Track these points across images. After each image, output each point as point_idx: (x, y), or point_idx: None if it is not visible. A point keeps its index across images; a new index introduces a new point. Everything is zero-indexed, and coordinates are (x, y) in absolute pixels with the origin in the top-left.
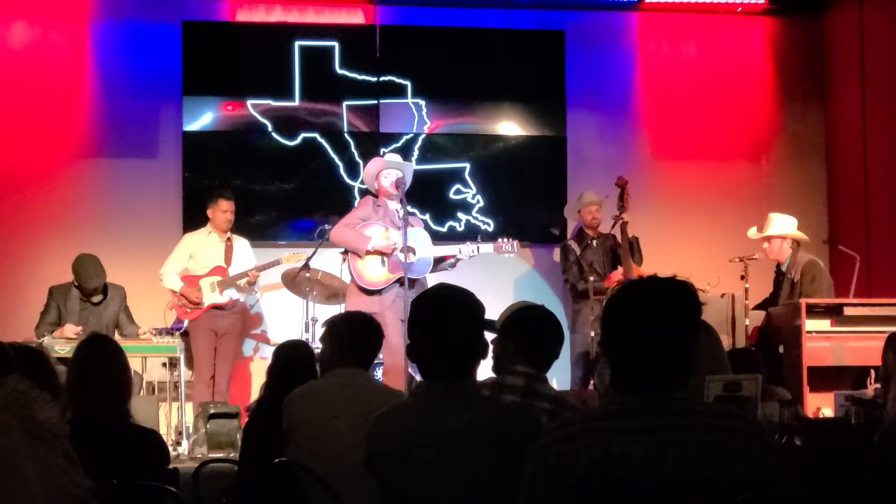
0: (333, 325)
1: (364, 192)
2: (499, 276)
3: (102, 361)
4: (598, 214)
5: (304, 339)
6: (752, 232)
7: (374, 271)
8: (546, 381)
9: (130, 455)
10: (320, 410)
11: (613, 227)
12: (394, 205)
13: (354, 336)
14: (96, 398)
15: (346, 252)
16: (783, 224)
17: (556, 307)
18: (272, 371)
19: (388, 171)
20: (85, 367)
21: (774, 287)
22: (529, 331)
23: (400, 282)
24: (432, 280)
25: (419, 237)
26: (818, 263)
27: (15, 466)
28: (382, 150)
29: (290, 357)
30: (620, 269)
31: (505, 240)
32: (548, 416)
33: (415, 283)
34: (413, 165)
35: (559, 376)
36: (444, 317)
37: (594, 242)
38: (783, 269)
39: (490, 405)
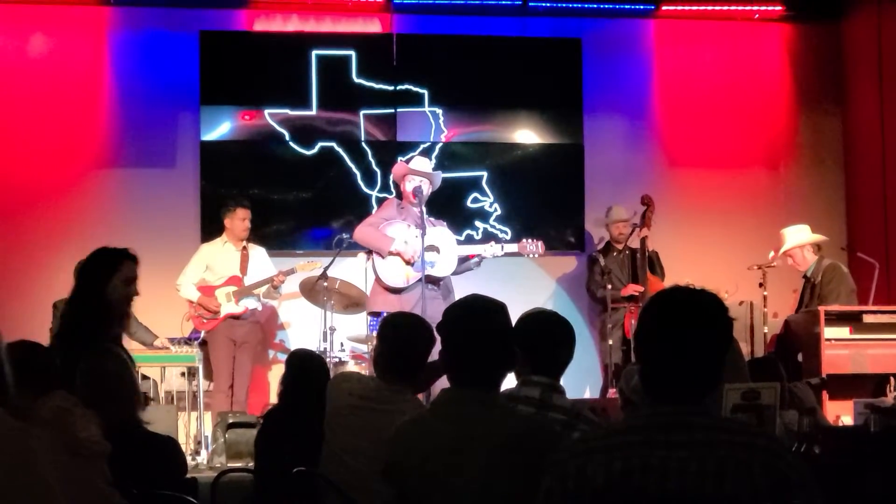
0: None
1: (381, 201)
2: (515, 285)
3: (105, 373)
4: (625, 230)
5: (322, 348)
6: (772, 255)
7: (397, 271)
8: (562, 392)
9: (147, 462)
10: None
11: (631, 235)
12: (416, 208)
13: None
14: (106, 409)
15: (370, 252)
16: (796, 236)
17: (574, 315)
18: (285, 382)
19: (413, 176)
20: (89, 380)
21: (802, 295)
22: (529, 336)
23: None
24: (457, 280)
25: (443, 236)
26: (839, 267)
27: (37, 474)
28: (412, 154)
29: (302, 369)
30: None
31: (530, 240)
32: (561, 426)
33: (439, 282)
34: (440, 174)
35: (591, 383)
36: (474, 326)
37: (619, 254)
38: (808, 274)
39: (512, 415)
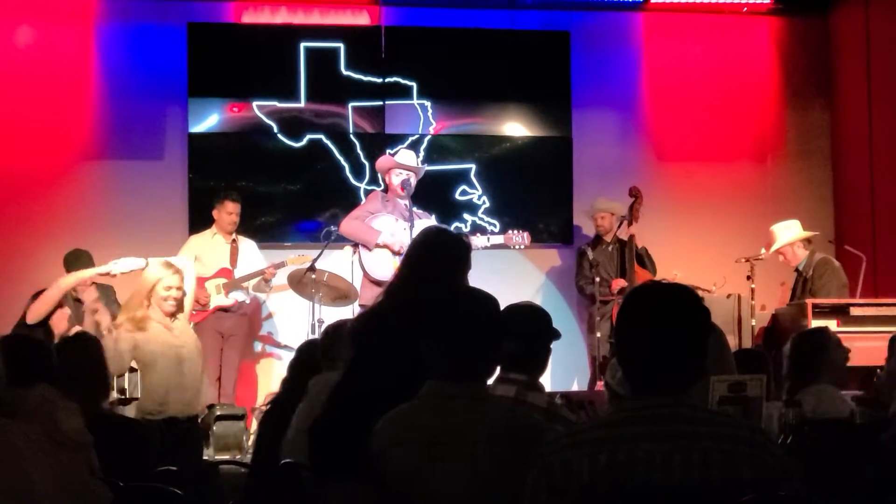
0: None
1: (369, 194)
2: (503, 277)
3: (78, 361)
4: (604, 222)
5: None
6: (763, 252)
7: (384, 264)
8: (540, 390)
9: (116, 448)
10: None
11: (619, 228)
12: (402, 201)
13: None
14: (75, 397)
15: (356, 245)
16: (787, 233)
17: (563, 308)
18: (292, 368)
19: (399, 169)
20: (64, 366)
21: (794, 289)
22: (509, 330)
23: None
24: None
25: None
26: (831, 262)
27: (18, 468)
28: (398, 147)
29: (311, 356)
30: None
31: (516, 232)
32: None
33: None
34: (425, 167)
35: (579, 376)
36: (463, 318)
37: (607, 247)
38: (800, 268)
39: (498, 408)
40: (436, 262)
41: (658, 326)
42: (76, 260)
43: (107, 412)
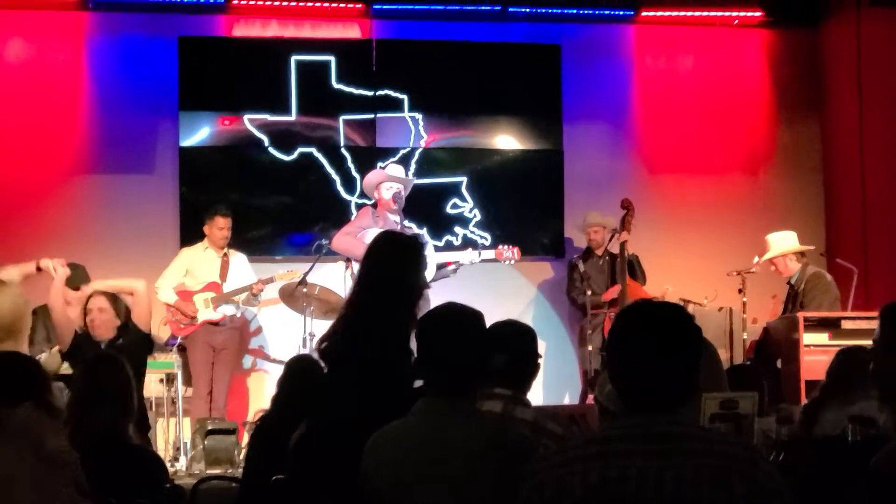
0: None
1: (360, 207)
2: (495, 291)
3: (109, 380)
4: (597, 236)
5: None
6: (756, 260)
7: None
8: (526, 404)
9: (126, 473)
10: None
11: (610, 241)
12: (393, 216)
13: None
14: (98, 415)
15: (349, 260)
16: (781, 243)
17: (554, 321)
18: (282, 384)
19: (389, 183)
20: (92, 383)
21: (786, 302)
22: (493, 347)
23: None
24: (437, 286)
25: None
26: (823, 276)
27: (7, 495)
28: (388, 161)
29: (301, 371)
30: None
31: (506, 247)
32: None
33: None
34: (414, 180)
35: (571, 389)
36: (451, 334)
37: (598, 260)
38: (793, 282)
39: (489, 424)
40: (391, 261)
41: (650, 345)
42: (72, 273)
43: (127, 437)
